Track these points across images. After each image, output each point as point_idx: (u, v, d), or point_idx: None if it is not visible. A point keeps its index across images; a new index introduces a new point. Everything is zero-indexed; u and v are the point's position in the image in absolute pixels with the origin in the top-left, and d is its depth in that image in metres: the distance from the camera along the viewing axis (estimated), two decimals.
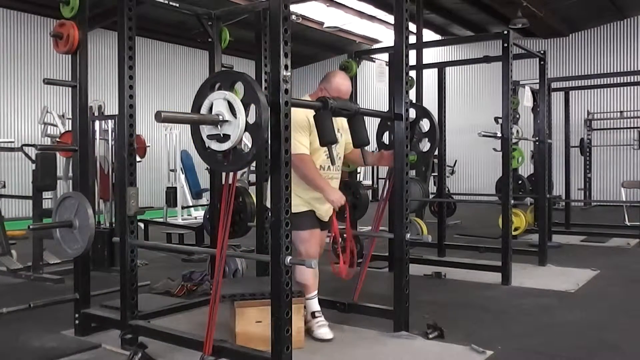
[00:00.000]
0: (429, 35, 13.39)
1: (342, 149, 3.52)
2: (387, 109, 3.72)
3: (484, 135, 5.23)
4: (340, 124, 3.41)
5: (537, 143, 6.37)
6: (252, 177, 6.99)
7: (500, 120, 5.05)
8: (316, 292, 3.46)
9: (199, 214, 10.58)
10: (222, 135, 2.46)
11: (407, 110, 3.43)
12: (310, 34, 14.06)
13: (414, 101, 4.72)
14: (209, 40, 4.12)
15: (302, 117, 3.23)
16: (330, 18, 13.15)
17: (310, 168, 3.27)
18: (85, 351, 3.19)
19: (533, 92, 6.37)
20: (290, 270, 2.51)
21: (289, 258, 2.49)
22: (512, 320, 3.87)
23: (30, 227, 3.79)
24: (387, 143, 4.11)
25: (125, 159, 3.18)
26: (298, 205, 3.25)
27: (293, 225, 3.17)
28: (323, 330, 3.37)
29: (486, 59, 5.99)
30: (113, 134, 5.70)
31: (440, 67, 6.59)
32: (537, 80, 5.95)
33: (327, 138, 3.03)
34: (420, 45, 9.78)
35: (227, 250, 2.78)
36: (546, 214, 6.04)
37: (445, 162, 6.58)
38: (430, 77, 8.69)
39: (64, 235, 3.34)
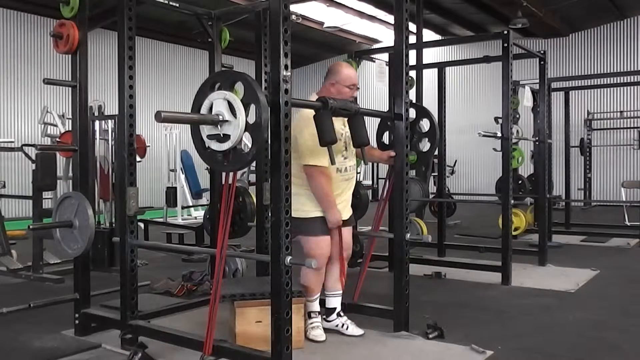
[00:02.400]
0: (429, 35, 13.38)
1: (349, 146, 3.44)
2: (387, 109, 3.72)
3: (484, 135, 5.23)
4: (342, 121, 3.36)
5: (537, 143, 6.37)
6: (252, 177, 6.99)
7: (500, 120, 5.05)
8: (318, 294, 3.44)
9: (199, 214, 10.58)
10: (222, 135, 2.46)
11: (407, 110, 3.43)
12: (310, 34, 14.05)
13: (414, 101, 4.72)
14: (209, 40, 4.12)
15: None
16: (330, 18, 13.14)
17: (328, 183, 3.25)
18: (85, 351, 3.19)
19: (533, 92, 6.37)
20: (290, 270, 2.51)
21: (289, 258, 2.48)
22: (512, 320, 3.87)
23: (30, 227, 3.79)
24: (387, 143, 4.11)
25: (125, 159, 3.18)
26: (311, 210, 3.24)
27: (305, 230, 3.20)
28: (316, 332, 3.36)
29: (486, 59, 5.99)
30: (113, 134, 5.70)
31: (440, 67, 6.59)
32: (537, 80, 5.95)
33: (327, 138, 3.03)
34: (420, 45, 9.76)
35: (227, 250, 2.78)
36: (546, 214, 6.04)
37: (445, 162, 6.58)
38: (430, 77, 8.69)
39: (64, 235, 3.34)
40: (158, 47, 13.79)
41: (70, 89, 3.46)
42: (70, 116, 3.71)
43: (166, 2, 3.81)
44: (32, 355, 3.19)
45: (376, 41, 15.17)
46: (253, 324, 3.14)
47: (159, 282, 4.71)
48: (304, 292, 3.32)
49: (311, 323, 3.39)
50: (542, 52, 5.79)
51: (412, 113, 3.85)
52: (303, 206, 3.22)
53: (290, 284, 2.51)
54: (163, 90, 13.79)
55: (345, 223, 3.43)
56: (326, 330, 3.41)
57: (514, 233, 6.00)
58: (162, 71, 13.87)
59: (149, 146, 7.20)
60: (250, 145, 2.49)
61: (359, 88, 3.54)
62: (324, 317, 3.46)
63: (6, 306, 3.52)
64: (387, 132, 4.10)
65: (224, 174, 2.85)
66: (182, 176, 10.67)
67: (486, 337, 3.39)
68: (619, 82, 10.56)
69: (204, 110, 2.51)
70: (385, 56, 5.58)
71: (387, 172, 3.85)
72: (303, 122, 3.19)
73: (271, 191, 2.54)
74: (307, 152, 3.19)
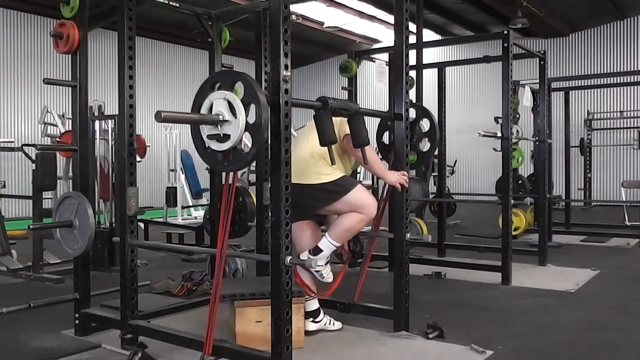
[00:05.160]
0: (429, 35, 13.39)
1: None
2: (387, 109, 3.72)
3: (484, 135, 5.23)
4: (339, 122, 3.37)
5: (537, 143, 6.37)
6: (252, 177, 6.98)
7: (500, 120, 5.05)
8: None
9: (199, 214, 10.58)
10: (222, 135, 2.46)
11: (407, 110, 3.43)
12: (310, 34, 14.06)
13: (414, 101, 4.72)
14: (209, 40, 4.12)
15: None
16: (330, 18, 13.15)
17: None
18: (85, 351, 3.19)
19: (533, 92, 6.37)
20: (290, 270, 2.51)
21: (289, 258, 2.48)
22: (512, 320, 3.87)
23: (30, 227, 3.78)
24: (387, 143, 4.11)
25: (125, 159, 3.18)
26: (336, 170, 3.29)
27: (346, 185, 3.25)
28: (329, 272, 3.39)
29: (486, 59, 5.99)
30: (113, 134, 5.70)
31: (440, 67, 6.59)
32: (537, 80, 5.95)
33: (327, 138, 3.03)
34: (420, 45, 9.78)
35: (227, 250, 2.78)
36: (546, 214, 6.04)
37: (445, 162, 6.58)
38: (430, 77, 8.69)
39: (64, 235, 3.34)
40: (158, 47, 13.79)
41: (70, 89, 3.46)
42: (70, 116, 3.71)
43: (166, 2, 3.81)
44: (32, 355, 3.19)
45: (376, 41, 15.18)
46: (253, 324, 3.14)
47: (159, 282, 4.71)
48: (332, 233, 3.31)
49: (328, 271, 3.39)
50: (542, 52, 5.79)
51: (412, 113, 3.85)
52: (333, 171, 3.28)
53: (290, 284, 2.51)
54: (163, 90, 13.79)
55: None
56: (313, 331, 3.41)
57: (514, 233, 6.00)
58: (162, 71, 13.88)
59: (149, 146, 7.21)
60: (250, 145, 2.49)
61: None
62: (312, 319, 3.44)
63: (6, 306, 3.51)
64: (387, 132, 4.10)
65: (224, 174, 2.85)
66: (182, 176, 10.68)
67: (486, 337, 3.39)
68: (619, 82, 10.57)
69: (204, 110, 2.51)
70: (385, 56, 5.57)
71: None
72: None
73: (271, 191, 2.54)
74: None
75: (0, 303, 3.61)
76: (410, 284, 3.45)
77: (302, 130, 3.68)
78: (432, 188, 7.49)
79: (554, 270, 5.50)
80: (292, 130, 2.93)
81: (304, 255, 3.33)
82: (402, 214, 3.42)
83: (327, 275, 3.39)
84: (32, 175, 5.22)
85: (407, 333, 3.39)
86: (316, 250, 3.31)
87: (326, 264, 3.38)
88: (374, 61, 5.55)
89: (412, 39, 4.63)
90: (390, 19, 6.06)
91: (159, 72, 13.77)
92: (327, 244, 3.31)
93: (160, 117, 2.28)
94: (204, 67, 4.81)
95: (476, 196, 12.68)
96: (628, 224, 8.70)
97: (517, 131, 6.93)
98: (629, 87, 12.75)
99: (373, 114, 3.84)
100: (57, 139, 6.70)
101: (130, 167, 3.18)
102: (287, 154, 2.49)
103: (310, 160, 3.28)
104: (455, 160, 12.84)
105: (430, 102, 6.11)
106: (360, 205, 3.26)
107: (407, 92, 3.44)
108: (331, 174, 3.27)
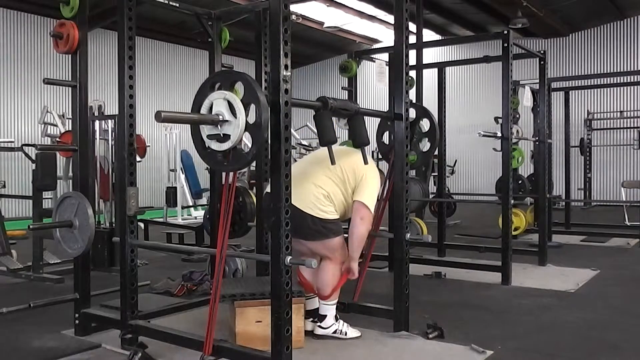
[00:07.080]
0: (429, 35, 13.39)
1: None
2: (387, 109, 3.72)
3: (484, 135, 5.23)
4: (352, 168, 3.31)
5: (537, 143, 6.37)
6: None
7: (500, 120, 5.05)
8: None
9: (199, 214, 10.58)
10: (222, 135, 2.46)
11: (407, 110, 3.43)
12: (310, 34, 14.06)
13: (414, 101, 4.72)
14: (209, 40, 4.13)
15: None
16: (330, 18, 13.15)
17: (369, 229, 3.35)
18: (85, 351, 3.19)
19: (533, 92, 6.37)
20: (290, 270, 2.51)
21: (289, 258, 2.48)
22: (512, 320, 3.87)
23: (30, 227, 3.78)
24: (387, 143, 4.11)
25: (125, 159, 3.17)
26: (334, 212, 3.23)
27: (334, 231, 3.21)
28: (353, 329, 3.40)
29: (486, 59, 5.99)
30: (113, 134, 5.70)
31: (440, 67, 6.59)
32: (537, 80, 5.95)
33: (327, 138, 3.03)
34: (420, 45, 9.77)
35: (227, 250, 2.78)
36: (546, 214, 6.04)
37: (445, 162, 6.58)
38: (430, 77, 8.69)
39: (64, 235, 3.34)
40: (158, 47, 13.79)
41: (70, 89, 3.46)
42: (70, 116, 3.71)
43: (166, 2, 3.82)
44: (32, 355, 3.19)
45: (376, 41, 15.18)
46: (253, 324, 3.14)
47: (159, 282, 4.71)
48: (324, 295, 3.32)
49: (344, 324, 3.39)
50: (542, 52, 5.79)
51: (412, 113, 3.85)
52: (331, 212, 3.21)
53: (290, 284, 2.51)
54: (163, 90, 13.79)
55: None
56: (312, 331, 3.40)
57: (514, 233, 6.00)
58: (162, 71, 13.87)
59: (149, 146, 7.20)
60: (250, 145, 2.49)
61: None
62: (312, 319, 3.42)
63: (6, 306, 3.52)
64: (387, 132, 4.10)
65: (224, 174, 2.85)
66: (182, 176, 10.67)
67: (486, 337, 3.39)
68: (619, 82, 10.57)
69: (204, 110, 2.52)
70: (385, 56, 5.57)
71: (387, 172, 3.84)
72: (376, 171, 3.41)
73: (271, 191, 2.54)
74: (372, 195, 3.28)
75: (0, 303, 3.61)
76: (410, 284, 3.45)
77: (315, 154, 3.62)
78: (432, 188, 7.49)
79: (554, 270, 5.50)
80: (292, 131, 2.93)
81: (309, 325, 3.38)
82: (402, 214, 3.42)
83: (348, 330, 3.38)
84: (32, 175, 5.22)
85: (407, 333, 3.39)
86: (321, 318, 3.35)
87: (337, 319, 3.39)
88: (374, 61, 5.54)
89: (412, 39, 4.64)
90: (390, 19, 6.06)
91: (159, 72, 13.76)
92: (326, 307, 3.34)
93: (160, 117, 2.29)
94: (204, 67, 4.81)
95: (476, 196, 12.67)
96: (628, 224, 8.70)
97: (517, 131, 6.93)
98: (629, 87, 12.75)
99: (373, 114, 3.84)
100: (57, 139, 6.70)
101: (130, 167, 3.18)
102: (287, 154, 2.48)
103: (313, 187, 3.17)
104: (455, 160, 12.85)
105: (430, 102, 6.11)
106: (335, 250, 3.25)
107: (407, 92, 3.44)
108: (328, 212, 3.17)
